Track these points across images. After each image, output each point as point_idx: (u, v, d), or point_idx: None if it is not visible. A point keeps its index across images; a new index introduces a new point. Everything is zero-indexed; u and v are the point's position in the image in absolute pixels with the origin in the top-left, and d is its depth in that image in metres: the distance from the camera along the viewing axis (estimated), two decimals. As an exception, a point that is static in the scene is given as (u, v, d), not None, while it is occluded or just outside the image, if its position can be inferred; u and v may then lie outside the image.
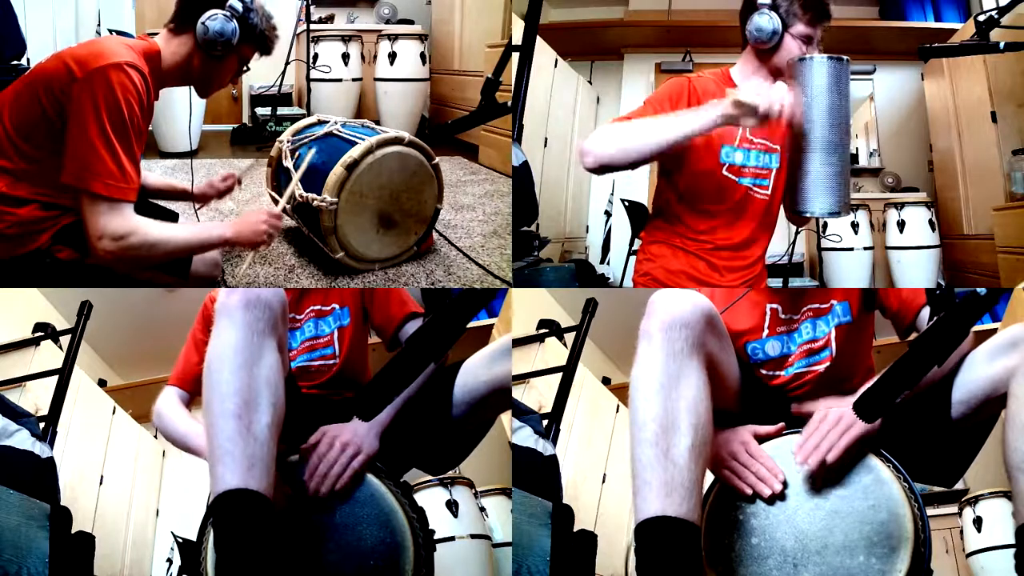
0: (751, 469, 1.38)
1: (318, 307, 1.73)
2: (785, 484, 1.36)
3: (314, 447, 1.42)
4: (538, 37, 2.72)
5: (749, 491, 1.36)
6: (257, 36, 1.77)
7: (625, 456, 1.24)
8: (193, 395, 1.72)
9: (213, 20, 1.68)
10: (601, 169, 1.66)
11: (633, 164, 1.67)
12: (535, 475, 1.62)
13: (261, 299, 1.30)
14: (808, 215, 1.70)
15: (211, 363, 1.27)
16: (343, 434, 1.42)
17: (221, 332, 1.28)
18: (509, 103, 2.59)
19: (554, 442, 1.70)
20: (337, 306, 1.72)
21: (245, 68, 1.83)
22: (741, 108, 1.53)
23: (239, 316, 1.28)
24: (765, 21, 1.71)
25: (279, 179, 2.47)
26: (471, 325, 1.23)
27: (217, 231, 1.76)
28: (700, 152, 1.73)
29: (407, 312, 1.76)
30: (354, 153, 2.13)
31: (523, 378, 2.29)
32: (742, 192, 1.77)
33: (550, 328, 2.51)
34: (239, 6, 1.70)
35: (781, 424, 1.43)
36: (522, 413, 1.75)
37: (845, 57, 1.64)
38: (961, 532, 2.84)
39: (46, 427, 1.74)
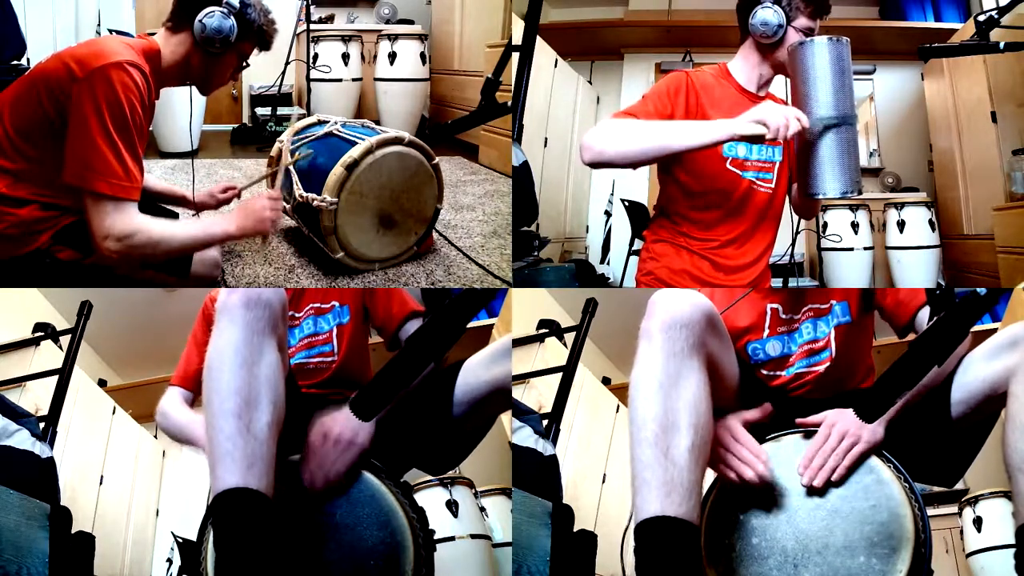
0: (734, 452, 1.37)
1: (317, 304, 1.73)
2: (784, 486, 1.36)
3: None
4: (538, 37, 2.72)
5: (734, 476, 1.36)
6: (256, 32, 1.77)
7: (625, 456, 1.24)
8: (196, 394, 1.72)
9: (210, 17, 1.68)
10: (599, 165, 1.67)
11: (632, 165, 1.68)
12: (535, 475, 1.62)
13: (262, 298, 1.30)
14: (820, 196, 1.70)
15: (211, 362, 1.27)
16: (334, 428, 1.41)
17: (221, 331, 1.28)
18: (509, 103, 2.59)
19: (554, 442, 1.70)
20: (337, 304, 1.72)
21: (245, 64, 1.83)
22: (754, 130, 1.57)
23: (239, 315, 1.28)
24: (771, 15, 1.71)
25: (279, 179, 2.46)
26: (471, 325, 1.23)
27: (221, 227, 1.76)
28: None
29: (408, 311, 1.76)
30: (354, 153, 2.13)
31: (523, 378, 2.29)
32: (745, 186, 1.78)
33: (550, 328, 2.50)
34: (236, 2, 1.70)
35: (767, 406, 1.43)
36: (522, 413, 1.75)
37: (845, 38, 1.65)
38: (961, 532, 2.84)
39: (46, 427, 1.74)
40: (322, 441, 1.40)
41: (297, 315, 1.72)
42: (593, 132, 1.67)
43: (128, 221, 1.56)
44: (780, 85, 1.86)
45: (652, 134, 1.64)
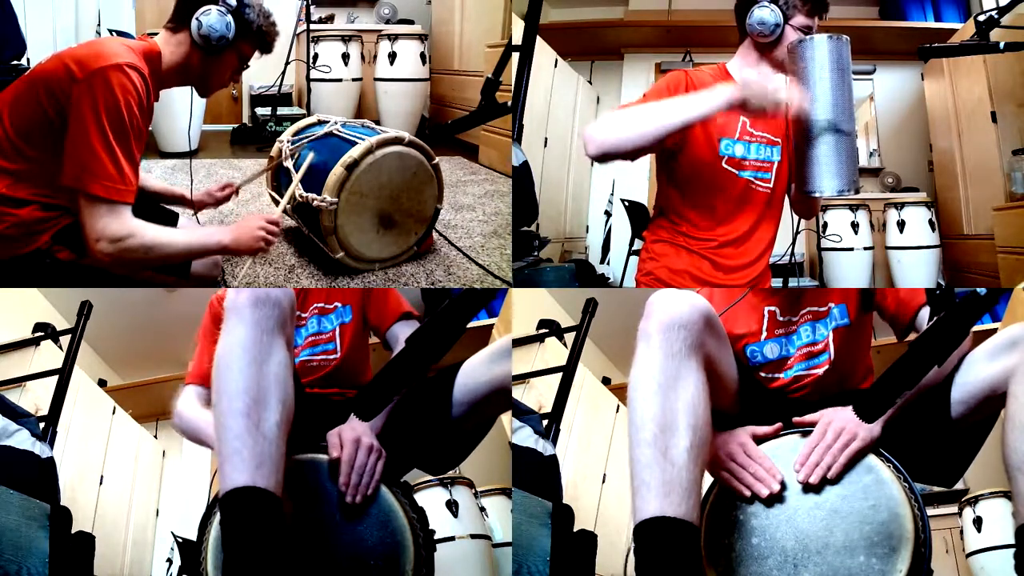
0: (749, 470, 1.37)
1: (322, 304, 1.75)
2: (784, 485, 1.36)
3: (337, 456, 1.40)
4: (538, 37, 2.72)
5: (747, 492, 1.36)
6: (255, 32, 1.77)
7: (625, 456, 1.24)
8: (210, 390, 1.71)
9: (207, 15, 1.68)
10: (604, 157, 1.66)
11: (635, 151, 1.66)
12: (535, 475, 1.62)
13: (271, 297, 1.30)
14: (817, 195, 1.70)
15: (220, 361, 1.27)
16: (364, 437, 1.41)
17: (230, 330, 1.28)
18: (509, 103, 2.59)
19: (554, 442, 1.70)
20: (340, 304, 1.74)
21: (245, 66, 1.83)
22: (747, 92, 1.56)
23: (248, 314, 1.28)
24: (767, 14, 1.72)
25: (279, 179, 2.47)
26: (471, 325, 1.23)
27: (216, 238, 1.76)
28: (700, 145, 1.74)
29: (400, 312, 1.77)
30: (354, 153, 2.13)
31: (523, 378, 2.29)
32: (742, 185, 1.78)
33: (550, 328, 2.51)
34: (233, 1, 1.70)
35: (779, 424, 1.43)
36: (522, 413, 1.75)
37: (845, 36, 1.64)
38: (961, 532, 2.84)
39: (46, 427, 1.74)
40: (354, 452, 1.39)
41: (303, 315, 1.73)
42: (594, 125, 1.66)
43: (122, 224, 1.56)
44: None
45: (650, 115, 1.63)
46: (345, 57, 4.56)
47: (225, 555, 1.24)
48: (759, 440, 1.42)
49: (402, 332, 1.72)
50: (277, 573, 1.21)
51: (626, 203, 4.09)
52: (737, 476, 1.38)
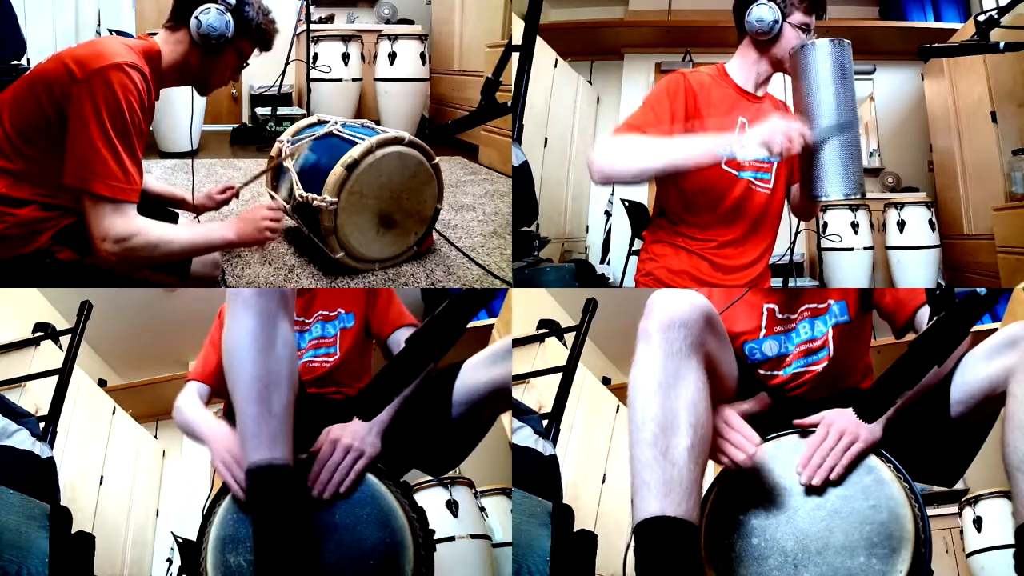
0: (726, 437, 1.36)
1: (325, 312, 1.78)
2: (783, 488, 1.36)
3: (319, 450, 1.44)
4: (538, 37, 2.73)
5: (726, 460, 1.35)
6: (254, 30, 1.77)
7: (625, 456, 1.25)
8: (213, 388, 1.77)
9: (206, 14, 1.67)
10: (608, 183, 1.71)
11: (640, 181, 1.69)
12: (535, 475, 1.63)
13: (271, 287, 1.36)
14: (824, 199, 1.70)
15: (231, 352, 1.35)
16: (344, 437, 1.43)
17: (237, 317, 1.35)
18: (509, 103, 2.59)
19: (554, 442, 1.70)
20: (342, 311, 1.77)
21: (244, 64, 1.83)
22: (758, 153, 1.60)
23: (253, 300, 1.34)
24: (766, 12, 1.72)
25: (279, 180, 2.47)
26: (471, 325, 1.23)
27: (220, 233, 1.77)
28: None
29: (403, 322, 1.80)
30: (354, 153, 2.13)
31: (523, 378, 2.29)
32: (743, 186, 1.78)
33: (550, 328, 2.51)
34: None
35: (763, 396, 1.44)
36: (522, 413, 1.75)
37: (847, 41, 1.65)
38: (961, 532, 2.84)
39: (46, 427, 1.74)
40: (331, 451, 1.42)
41: (307, 321, 1.77)
42: (600, 151, 1.67)
43: (127, 223, 1.56)
44: (778, 83, 1.87)
45: (657, 152, 1.64)
46: (345, 57, 4.56)
47: (253, 524, 1.34)
48: (748, 419, 1.41)
49: (402, 340, 1.74)
50: (273, 574, 1.25)
51: (626, 203, 4.09)
52: (717, 446, 1.36)
